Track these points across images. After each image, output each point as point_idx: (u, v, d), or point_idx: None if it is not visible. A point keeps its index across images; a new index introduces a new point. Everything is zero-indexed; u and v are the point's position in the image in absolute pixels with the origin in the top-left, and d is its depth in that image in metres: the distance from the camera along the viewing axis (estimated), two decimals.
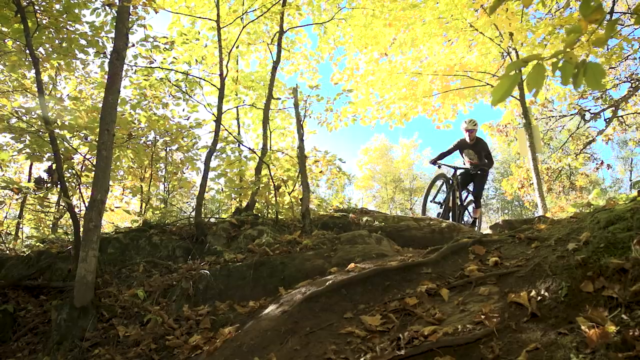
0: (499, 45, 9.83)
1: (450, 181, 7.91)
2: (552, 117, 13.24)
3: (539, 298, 2.58)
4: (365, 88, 11.25)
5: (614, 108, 11.83)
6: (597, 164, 13.99)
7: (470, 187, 8.38)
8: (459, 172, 8.08)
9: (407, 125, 12.04)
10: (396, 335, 2.72)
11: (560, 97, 11.87)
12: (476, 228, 8.11)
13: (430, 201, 7.74)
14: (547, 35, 9.11)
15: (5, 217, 9.18)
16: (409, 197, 31.12)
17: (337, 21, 9.28)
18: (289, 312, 3.26)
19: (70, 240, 6.25)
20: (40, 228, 10.31)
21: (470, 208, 8.48)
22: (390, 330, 2.84)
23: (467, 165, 8.16)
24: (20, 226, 8.89)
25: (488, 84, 10.44)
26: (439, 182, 7.99)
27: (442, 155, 8.12)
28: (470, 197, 8.41)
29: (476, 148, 7.98)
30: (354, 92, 10.89)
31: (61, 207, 8.30)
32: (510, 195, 16.21)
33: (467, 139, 7.95)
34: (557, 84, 11.21)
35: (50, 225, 9.67)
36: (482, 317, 2.60)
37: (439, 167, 8.08)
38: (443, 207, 7.81)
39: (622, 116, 12.74)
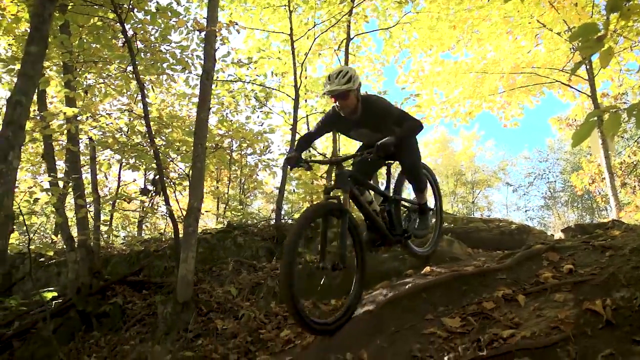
0: (568, 40, 9.61)
1: (341, 211, 3.57)
2: (626, 109, 12.70)
3: (614, 306, 2.74)
4: (429, 88, 11.39)
5: None
6: None
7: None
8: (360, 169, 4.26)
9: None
10: (476, 337, 2.97)
11: (635, 90, 11.39)
12: (437, 226, 4.92)
13: (317, 268, 3.62)
14: (620, 28, 8.82)
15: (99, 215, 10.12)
16: (471, 190, 30.65)
17: (402, 25, 9.47)
18: (374, 312, 3.59)
19: (164, 239, 6.94)
20: (127, 226, 11.32)
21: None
22: (469, 332, 3.09)
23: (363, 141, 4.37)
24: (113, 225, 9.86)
25: (557, 81, 10.25)
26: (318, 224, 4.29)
27: (306, 143, 4.23)
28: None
29: (369, 120, 3.86)
30: (420, 94, 11.01)
31: (147, 208, 9.06)
32: (580, 190, 15.69)
33: (341, 112, 3.78)
34: (631, 77, 10.78)
35: (136, 223, 10.63)
36: (558, 322, 2.79)
37: (309, 168, 4.06)
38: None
39: None
